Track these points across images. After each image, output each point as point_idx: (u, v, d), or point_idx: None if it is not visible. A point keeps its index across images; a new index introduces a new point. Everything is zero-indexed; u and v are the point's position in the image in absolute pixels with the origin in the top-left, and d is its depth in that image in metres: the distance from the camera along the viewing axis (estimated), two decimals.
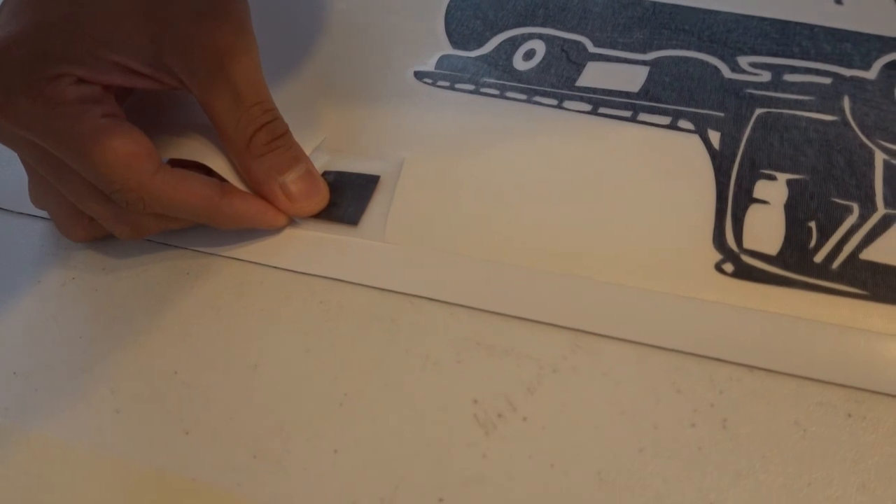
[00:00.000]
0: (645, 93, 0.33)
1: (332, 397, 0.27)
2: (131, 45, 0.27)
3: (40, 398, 0.28)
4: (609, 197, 0.30)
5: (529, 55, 0.35)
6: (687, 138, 0.31)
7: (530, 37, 0.36)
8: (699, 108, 0.32)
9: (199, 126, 0.30)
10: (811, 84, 0.33)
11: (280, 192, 0.30)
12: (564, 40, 0.36)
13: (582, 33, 0.36)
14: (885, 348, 0.26)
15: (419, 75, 0.35)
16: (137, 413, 0.27)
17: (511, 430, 0.25)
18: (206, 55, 0.27)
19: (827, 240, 0.28)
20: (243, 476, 0.25)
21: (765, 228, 0.28)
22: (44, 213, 0.32)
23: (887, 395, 0.25)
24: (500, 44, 0.36)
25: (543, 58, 0.35)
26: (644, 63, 0.34)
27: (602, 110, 0.33)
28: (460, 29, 0.37)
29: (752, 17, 0.35)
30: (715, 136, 0.31)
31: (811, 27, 0.35)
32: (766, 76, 0.33)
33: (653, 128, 0.32)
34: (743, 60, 0.34)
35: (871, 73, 0.33)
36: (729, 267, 0.28)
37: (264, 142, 0.29)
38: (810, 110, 0.32)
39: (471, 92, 0.34)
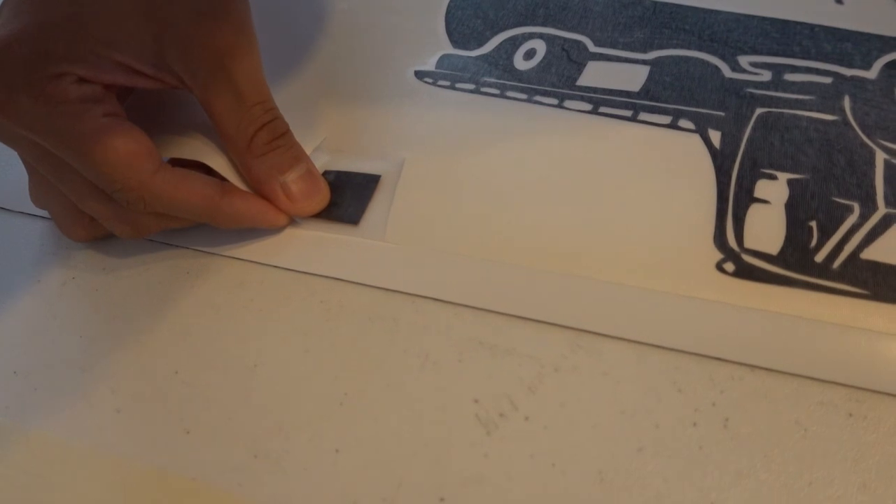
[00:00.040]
0: (645, 92, 0.33)
1: (333, 397, 0.27)
2: (133, 44, 0.27)
3: (40, 397, 0.28)
4: (610, 196, 0.30)
5: (530, 55, 0.35)
6: (688, 138, 0.31)
7: (531, 36, 0.36)
8: (700, 108, 0.32)
9: (199, 125, 0.30)
10: (812, 83, 0.33)
11: (281, 192, 0.30)
12: (565, 40, 0.36)
13: (582, 33, 0.36)
14: (886, 348, 0.26)
15: (420, 75, 0.35)
16: (138, 412, 0.27)
17: (512, 430, 0.25)
18: (206, 55, 0.27)
19: (828, 239, 0.28)
20: (244, 476, 0.25)
21: (766, 228, 0.28)
22: (44, 213, 0.32)
23: (888, 394, 0.25)
24: (501, 43, 0.36)
25: (544, 57, 0.35)
26: (644, 62, 0.34)
27: (603, 110, 0.33)
28: (461, 28, 0.37)
29: (753, 17, 0.35)
30: (716, 136, 0.31)
31: (812, 27, 0.35)
32: (766, 76, 0.33)
33: (653, 127, 0.32)
34: (743, 60, 0.34)
35: (872, 73, 0.33)
36: (730, 266, 0.28)
37: (265, 141, 0.29)
38: (811, 110, 0.32)
39: (471, 91, 0.34)
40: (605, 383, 0.26)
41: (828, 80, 0.33)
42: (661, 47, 0.35)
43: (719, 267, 0.28)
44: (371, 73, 0.36)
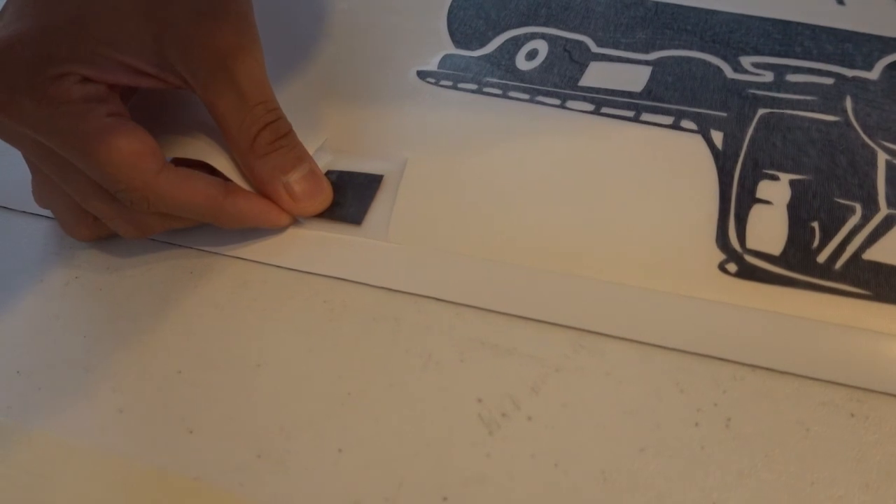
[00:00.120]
0: (648, 93, 0.33)
1: (336, 396, 0.27)
2: (136, 44, 0.27)
3: (43, 397, 0.28)
4: (612, 197, 0.30)
5: (532, 55, 0.35)
6: (690, 138, 0.31)
7: (533, 36, 0.36)
8: (702, 108, 0.32)
9: (203, 125, 0.30)
10: (813, 84, 0.33)
11: (284, 192, 0.30)
12: (567, 40, 0.36)
13: (584, 33, 0.36)
14: (888, 348, 0.26)
15: (422, 75, 0.35)
16: (140, 412, 0.27)
17: (515, 430, 0.25)
18: (208, 55, 0.27)
19: (830, 240, 0.28)
20: (246, 475, 0.25)
21: (768, 228, 0.29)
22: (47, 212, 0.32)
23: (890, 394, 0.25)
24: (503, 43, 0.36)
25: (546, 57, 0.35)
26: (647, 63, 0.34)
27: (605, 110, 0.33)
28: (463, 28, 0.37)
29: (755, 18, 0.36)
30: (718, 136, 0.31)
31: (813, 27, 0.35)
32: (768, 76, 0.33)
33: (656, 128, 0.32)
34: (745, 60, 0.34)
35: (874, 74, 0.33)
36: (732, 267, 0.28)
37: (268, 141, 0.29)
38: (813, 110, 0.32)
39: (474, 91, 0.34)
40: (607, 383, 0.26)
41: (829, 80, 0.33)
42: (662, 48, 0.35)
43: (721, 267, 0.28)
44: (373, 73, 0.36)
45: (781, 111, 0.32)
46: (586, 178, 0.31)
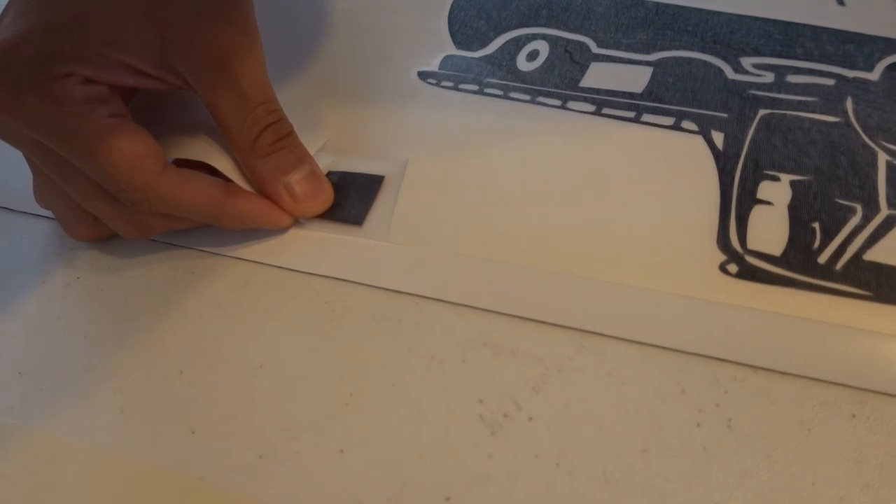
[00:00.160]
0: (648, 93, 0.33)
1: (338, 397, 0.27)
2: (137, 45, 0.27)
3: (45, 397, 0.28)
4: (613, 197, 0.30)
5: (533, 56, 0.35)
6: (690, 139, 0.31)
7: (534, 37, 0.36)
8: (703, 109, 0.32)
9: (204, 126, 0.30)
10: (814, 85, 0.33)
11: (285, 193, 0.30)
12: (568, 41, 0.36)
13: (585, 34, 0.36)
14: (889, 349, 0.26)
15: (423, 75, 0.35)
16: (142, 412, 0.27)
17: (517, 430, 0.25)
18: (210, 56, 0.27)
19: (831, 241, 0.28)
20: (249, 476, 0.25)
21: (769, 229, 0.29)
22: (48, 213, 0.32)
23: (891, 395, 0.25)
24: (504, 44, 0.36)
25: (547, 58, 0.35)
26: (647, 64, 0.34)
27: (606, 111, 0.33)
28: (464, 29, 0.37)
29: (755, 19, 0.36)
30: (718, 137, 0.31)
31: (814, 28, 0.35)
32: (769, 77, 0.33)
33: (656, 128, 0.32)
34: (746, 61, 0.34)
35: (874, 75, 0.33)
36: (733, 268, 0.28)
37: (269, 142, 0.29)
38: (813, 111, 0.32)
39: (474, 92, 0.34)
40: (609, 384, 0.26)
41: (830, 81, 0.33)
42: (663, 49, 0.35)
43: (723, 268, 0.28)
44: (374, 73, 0.36)
45: (782, 112, 0.32)
46: (587, 178, 0.31)
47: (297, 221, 0.31)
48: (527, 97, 0.34)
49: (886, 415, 0.25)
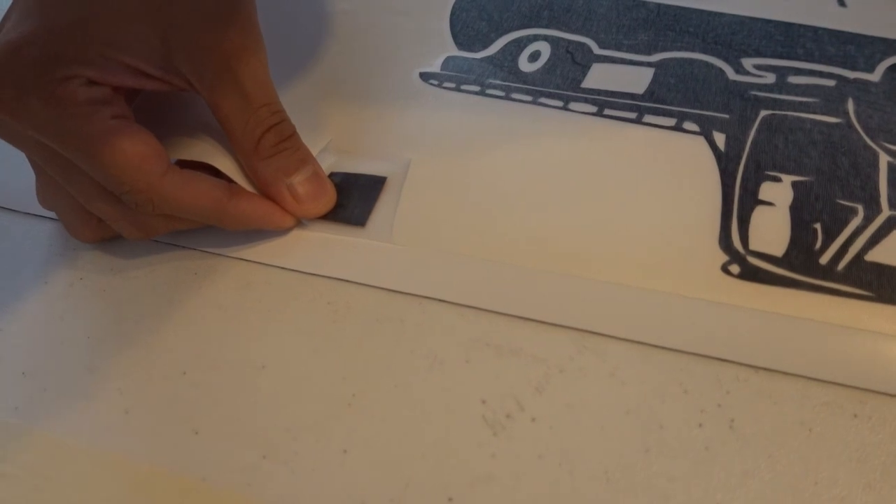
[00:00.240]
0: (650, 94, 0.33)
1: (341, 397, 0.27)
2: (140, 47, 0.27)
3: (49, 398, 0.28)
4: (615, 198, 0.30)
5: (534, 57, 0.35)
6: (692, 140, 0.32)
7: (535, 38, 0.36)
8: (704, 110, 0.32)
9: (206, 127, 0.30)
10: (815, 86, 0.33)
11: (287, 194, 0.30)
12: (569, 42, 0.36)
13: (587, 35, 0.36)
14: (891, 349, 0.26)
15: (425, 76, 0.35)
16: (146, 413, 0.27)
17: (519, 431, 0.25)
18: (213, 57, 0.27)
19: (832, 241, 0.28)
20: (252, 476, 0.25)
21: (770, 230, 0.29)
22: (51, 214, 0.32)
23: (892, 395, 0.25)
24: (506, 45, 0.36)
25: (548, 59, 0.35)
26: (649, 65, 0.34)
27: (607, 112, 0.33)
28: (465, 30, 0.37)
29: (757, 20, 0.36)
30: (720, 138, 0.31)
31: (815, 29, 0.35)
32: (770, 78, 0.33)
33: (658, 129, 0.32)
34: (747, 62, 0.34)
35: (875, 76, 0.33)
36: (735, 268, 0.28)
37: (272, 143, 0.29)
38: (814, 112, 0.32)
39: (476, 93, 0.34)
40: (611, 384, 0.26)
41: (831, 82, 0.33)
42: (665, 50, 0.35)
43: (724, 269, 0.28)
44: (376, 74, 0.36)
45: (783, 113, 0.32)
46: (589, 179, 0.31)
47: (299, 222, 0.31)
48: (528, 98, 0.34)
49: (888, 415, 0.25)
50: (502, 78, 0.35)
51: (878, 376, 0.25)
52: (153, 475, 0.26)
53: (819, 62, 0.33)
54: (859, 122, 0.31)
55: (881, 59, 0.33)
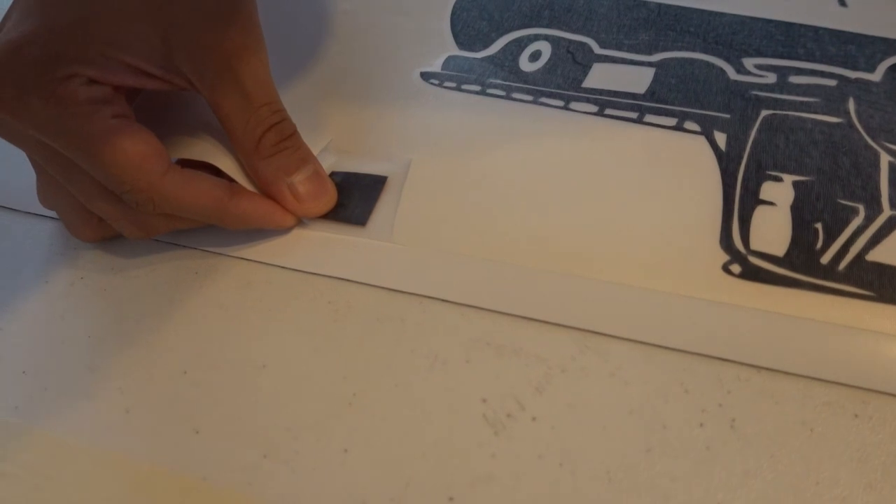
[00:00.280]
0: (651, 94, 0.33)
1: (341, 397, 0.27)
2: (141, 46, 0.27)
3: (49, 397, 0.28)
4: (616, 198, 0.30)
5: (535, 56, 0.35)
6: (693, 140, 0.32)
7: (536, 38, 0.36)
8: (705, 110, 0.32)
9: (207, 126, 0.30)
10: (816, 86, 0.33)
11: (288, 193, 0.30)
12: (570, 41, 0.36)
13: (587, 35, 0.36)
14: (892, 349, 0.26)
15: (426, 76, 0.35)
16: (146, 412, 0.27)
17: (520, 430, 0.25)
18: (214, 57, 0.27)
19: (833, 241, 0.28)
20: (253, 475, 0.25)
21: (771, 230, 0.29)
22: (52, 213, 0.32)
23: (894, 395, 0.25)
24: (506, 45, 0.36)
25: (549, 59, 0.35)
26: (650, 65, 0.34)
27: (608, 111, 0.33)
28: (466, 30, 0.37)
29: (757, 20, 0.36)
30: (721, 138, 0.31)
31: (816, 29, 0.35)
32: (771, 78, 0.33)
33: (659, 129, 0.32)
34: (748, 62, 0.34)
35: (876, 76, 0.33)
36: (736, 268, 0.28)
37: (273, 143, 0.29)
38: (815, 112, 0.32)
39: (477, 93, 0.34)
40: (612, 384, 0.26)
41: (832, 82, 0.33)
42: (665, 49, 0.35)
43: (725, 268, 0.28)
44: (377, 74, 0.36)
45: (784, 113, 0.32)
46: (590, 179, 0.31)
47: (300, 222, 0.31)
48: (529, 98, 0.34)
49: (889, 415, 0.25)
50: (503, 77, 0.35)
51: (879, 376, 0.25)
52: (154, 474, 0.26)
53: (820, 62, 0.33)
54: (860, 121, 0.31)
55: (882, 59, 0.33)
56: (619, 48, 0.35)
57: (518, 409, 0.26)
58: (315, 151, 0.31)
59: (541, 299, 0.28)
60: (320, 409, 0.26)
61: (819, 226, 0.29)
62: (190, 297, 0.30)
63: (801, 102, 0.32)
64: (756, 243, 0.28)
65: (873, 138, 0.31)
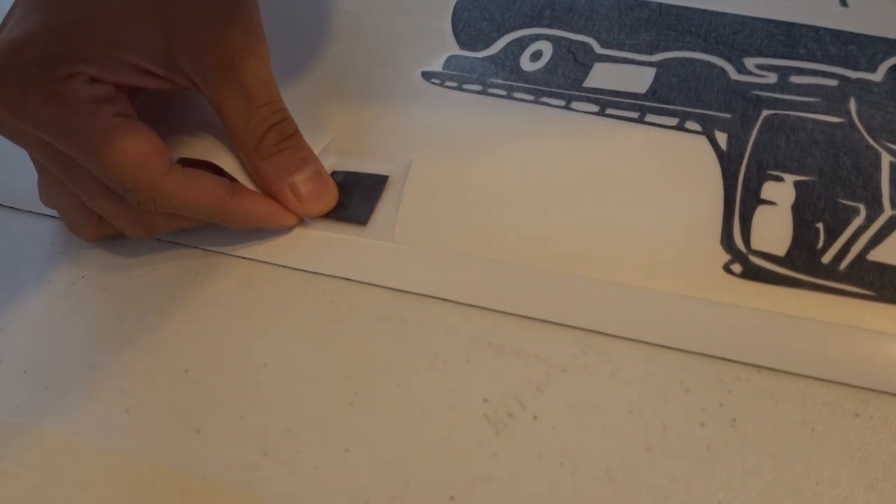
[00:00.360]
0: (652, 94, 0.33)
1: (343, 396, 0.27)
2: (143, 46, 0.27)
3: (50, 397, 0.28)
4: (617, 198, 0.30)
5: (536, 56, 0.35)
6: (694, 139, 0.32)
7: (537, 38, 0.36)
8: (706, 110, 0.32)
9: (209, 125, 0.30)
10: (817, 86, 0.33)
11: (289, 193, 0.30)
12: (571, 41, 0.36)
13: (589, 34, 0.36)
14: (892, 348, 0.26)
15: (427, 76, 0.35)
16: (147, 412, 0.27)
17: (521, 430, 0.25)
18: (215, 56, 0.27)
19: (834, 241, 0.28)
20: (254, 475, 0.25)
21: (772, 229, 0.29)
22: (54, 212, 0.32)
23: (894, 395, 0.25)
24: (508, 44, 0.36)
25: (550, 59, 0.35)
26: (651, 64, 0.34)
27: (609, 111, 0.33)
28: (467, 30, 0.37)
29: (758, 19, 0.36)
30: (722, 138, 0.31)
31: (817, 29, 0.35)
32: (772, 78, 0.33)
33: (660, 129, 0.32)
34: (749, 62, 0.34)
35: (877, 76, 0.33)
36: (737, 268, 0.28)
37: (274, 142, 0.29)
38: (816, 112, 0.32)
39: (478, 93, 0.34)
40: (613, 383, 0.26)
41: (833, 82, 0.33)
42: (667, 49, 0.35)
43: (726, 268, 0.28)
44: (378, 74, 0.36)
45: (785, 113, 0.32)
46: (591, 179, 0.31)
47: (301, 221, 0.31)
48: (530, 97, 0.34)
49: (890, 414, 0.25)
50: (504, 77, 0.35)
51: (879, 376, 0.25)
52: (154, 474, 0.26)
53: (821, 62, 0.33)
54: (861, 121, 0.31)
55: (883, 59, 0.33)
56: (620, 48, 0.35)
57: (519, 409, 0.26)
58: (316, 151, 0.31)
59: (542, 299, 0.28)
60: (321, 408, 0.27)
61: (820, 225, 0.29)
62: (191, 296, 0.30)
63: (803, 102, 0.32)
64: (757, 243, 0.28)
65: (874, 138, 0.31)
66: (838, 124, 0.31)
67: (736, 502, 0.24)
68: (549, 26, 0.37)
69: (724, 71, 0.34)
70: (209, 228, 0.31)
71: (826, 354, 0.26)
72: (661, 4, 0.37)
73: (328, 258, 0.30)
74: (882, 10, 0.35)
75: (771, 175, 0.30)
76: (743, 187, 0.30)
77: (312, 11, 0.39)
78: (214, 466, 0.26)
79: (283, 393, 0.27)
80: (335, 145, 0.33)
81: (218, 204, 0.29)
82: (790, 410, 0.25)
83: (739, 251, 0.28)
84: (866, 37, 0.34)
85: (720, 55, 0.34)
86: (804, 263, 0.28)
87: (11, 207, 0.33)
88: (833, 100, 0.32)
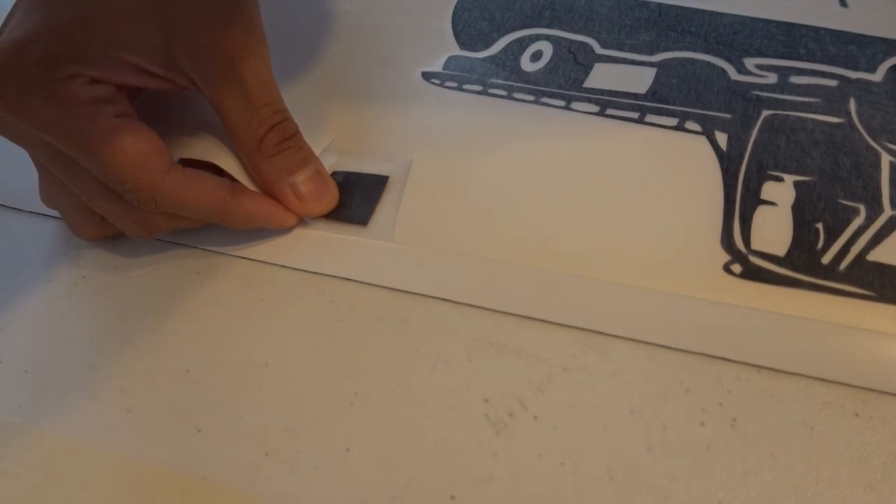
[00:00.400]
0: (652, 94, 0.33)
1: (343, 396, 0.27)
2: (144, 46, 0.27)
3: (51, 397, 0.28)
4: (617, 198, 0.30)
5: (537, 56, 0.36)
6: (694, 140, 0.32)
7: (537, 38, 0.36)
8: (706, 110, 0.32)
9: (209, 126, 0.30)
10: (817, 86, 0.33)
11: (290, 193, 0.30)
12: (571, 42, 0.36)
13: (589, 35, 0.36)
14: (892, 348, 0.26)
15: (427, 76, 0.35)
16: (148, 412, 0.27)
17: (522, 430, 0.25)
18: (216, 56, 0.27)
19: (834, 241, 0.28)
20: (254, 475, 0.25)
21: (772, 230, 0.29)
22: (54, 213, 0.32)
23: (894, 395, 0.25)
24: (508, 45, 0.36)
25: (551, 59, 0.35)
26: (651, 65, 0.34)
27: (609, 111, 0.33)
28: (468, 30, 0.37)
29: (758, 20, 0.36)
30: (722, 138, 0.31)
31: (817, 29, 0.35)
32: (772, 78, 0.33)
33: (660, 129, 0.32)
34: (749, 62, 0.34)
35: (877, 76, 0.33)
36: (737, 268, 0.28)
37: (274, 142, 0.29)
38: (816, 112, 0.32)
39: (478, 93, 0.34)
40: (613, 383, 0.26)
41: (833, 82, 0.33)
42: (667, 49, 0.35)
43: (727, 268, 0.28)
44: (378, 74, 0.36)
45: (785, 113, 0.32)
46: (591, 179, 0.31)
47: (302, 221, 0.31)
48: (531, 98, 0.34)
49: (889, 414, 0.25)
50: (504, 77, 0.35)
51: (879, 376, 0.25)
52: (155, 474, 0.26)
53: (821, 62, 0.34)
54: (861, 122, 0.31)
55: (883, 60, 0.33)
56: (620, 48, 0.35)
57: (520, 409, 0.26)
58: (317, 151, 0.31)
59: (542, 299, 0.28)
60: (322, 408, 0.27)
61: (820, 226, 0.29)
62: (192, 296, 0.30)
63: (802, 103, 0.32)
64: (757, 243, 0.28)
65: (874, 138, 0.31)
66: (838, 124, 0.31)
67: (736, 502, 0.24)
68: (550, 27, 0.37)
69: (724, 71, 0.34)
70: (210, 228, 0.31)
71: (826, 354, 0.26)
72: (661, 5, 0.37)
73: (329, 258, 0.30)
74: (882, 11, 0.35)
75: (771, 175, 0.30)
76: (743, 187, 0.30)
77: (313, 12, 0.39)
78: (215, 466, 0.26)
79: (283, 393, 0.27)
80: (335, 145, 0.33)
81: (218, 204, 0.29)
82: (790, 410, 0.25)
83: (739, 251, 0.28)
84: (866, 37, 0.34)
85: (720, 55, 0.34)
86: (804, 263, 0.28)
87: (12, 208, 0.34)
88: (833, 100, 0.32)
